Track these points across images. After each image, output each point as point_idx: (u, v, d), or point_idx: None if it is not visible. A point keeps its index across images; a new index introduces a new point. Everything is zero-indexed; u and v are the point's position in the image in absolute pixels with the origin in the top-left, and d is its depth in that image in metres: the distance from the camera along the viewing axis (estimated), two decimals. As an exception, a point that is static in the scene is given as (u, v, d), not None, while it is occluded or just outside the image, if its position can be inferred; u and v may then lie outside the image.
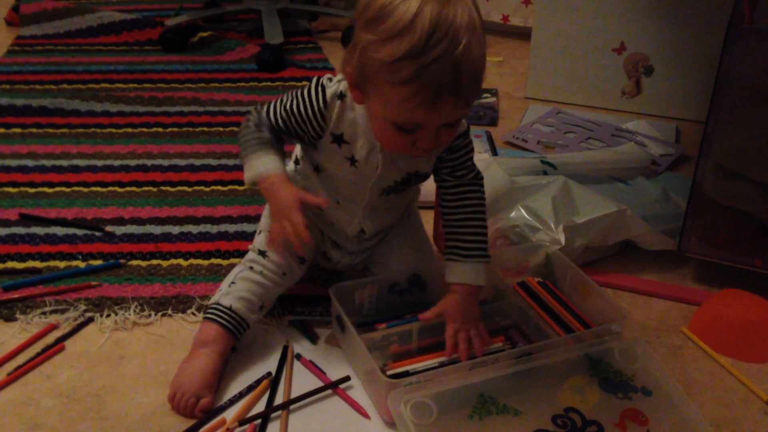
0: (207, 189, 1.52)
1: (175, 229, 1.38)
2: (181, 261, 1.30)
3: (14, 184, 1.51)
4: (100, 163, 1.60)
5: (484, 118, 1.87)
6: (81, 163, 1.60)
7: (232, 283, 1.09)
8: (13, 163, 1.59)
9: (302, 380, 1.07)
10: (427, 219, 1.43)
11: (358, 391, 1.05)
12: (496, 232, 1.29)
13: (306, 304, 1.20)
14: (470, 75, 0.87)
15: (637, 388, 1.00)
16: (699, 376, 1.11)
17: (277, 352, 1.11)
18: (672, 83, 1.87)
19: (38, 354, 1.09)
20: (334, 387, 1.05)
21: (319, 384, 1.05)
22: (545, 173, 1.41)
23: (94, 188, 1.51)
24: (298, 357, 1.10)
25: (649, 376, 1.01)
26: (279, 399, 1.03)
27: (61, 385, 1.05)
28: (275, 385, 1.05)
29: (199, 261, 1.30)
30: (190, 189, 1.52)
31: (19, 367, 1.06)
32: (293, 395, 1.03)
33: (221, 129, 1.77)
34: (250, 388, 1.04)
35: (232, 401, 1.02)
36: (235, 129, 1.76)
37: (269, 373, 1.06)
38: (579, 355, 1.02)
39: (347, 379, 1.06)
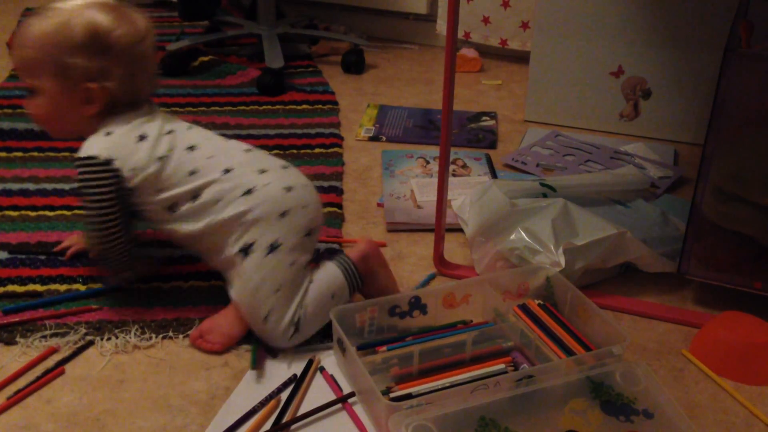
0: (208, 212, 1.52)
1: (176, 252, 1.38)
2: (181, 283, 1.30)
3: (15, 208, 1.52)
4: (101, 186, 1.61)
5: (484, 140, 1.88)
6: (82, 186, 1.61)
7: None
8: (15, 186, 1.60)
9: (312, 395, 1.08)
10: (428, 241, 1.44)
11: (358, 414, 1.05)
12: (496, 255, 1.30)
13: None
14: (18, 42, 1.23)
15: (639, 411, 0.99)
16: (700, 399, 1.10)
17: (280, 374, 1.11)
18: (670, 106, 1.88)
19: (38, 378, 1.09)
20: (342, 402, 1.05)
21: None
22: (545, 196, 1.41)
23: (95, 211, 1.52)
24: (322, 369, 1.12)
25: (651, 398, 1.01)
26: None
27: (61, 409, 1.04)
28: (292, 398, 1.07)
29: (200, 283, 1.30)
30: (190, 212, 1.52)
31: (19, 390, 1.06)
32: (305, 408, 1.05)
33: (222, 152, 1.77)
34: (256, 408, 1.05)
35: (242, 420, 1.03)
36: (236, 152, 1.76)
37: (273, 394, 1.06)
38: (580, 377, 1.02)
39: (352, 395, 1.07)
